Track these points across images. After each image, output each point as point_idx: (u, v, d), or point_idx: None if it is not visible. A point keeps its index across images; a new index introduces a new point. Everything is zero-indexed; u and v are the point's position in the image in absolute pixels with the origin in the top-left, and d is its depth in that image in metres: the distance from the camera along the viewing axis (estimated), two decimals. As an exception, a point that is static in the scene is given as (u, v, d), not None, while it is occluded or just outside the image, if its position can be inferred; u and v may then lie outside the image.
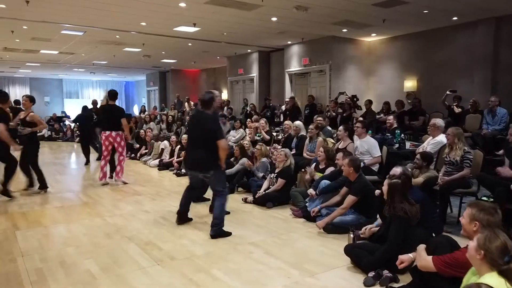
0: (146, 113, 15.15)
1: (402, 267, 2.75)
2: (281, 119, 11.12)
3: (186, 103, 15.29)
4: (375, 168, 5.51)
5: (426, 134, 7.47)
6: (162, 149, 9.38)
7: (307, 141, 6.53)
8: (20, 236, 4.25)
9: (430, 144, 5.30)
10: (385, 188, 3.38)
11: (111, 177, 7.30)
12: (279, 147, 6.90)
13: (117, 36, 11.03)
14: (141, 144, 10.66)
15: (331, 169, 5.23)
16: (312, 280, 3.16)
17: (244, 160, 6.58)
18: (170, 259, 3.62)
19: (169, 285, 3.10)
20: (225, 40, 11.77)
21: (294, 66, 12.35)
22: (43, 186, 6.44)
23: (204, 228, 4.51)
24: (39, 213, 5.23)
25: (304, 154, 6.42)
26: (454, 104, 8.28)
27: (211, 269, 3.38)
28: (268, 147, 6.70)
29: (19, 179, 6.48)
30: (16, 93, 20.78)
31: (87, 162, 9.63)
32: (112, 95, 7.15)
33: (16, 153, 6.10)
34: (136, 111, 20.61)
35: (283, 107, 11.80)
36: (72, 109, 21.35)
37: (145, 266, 3.44)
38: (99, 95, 23.03)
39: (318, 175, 5.30)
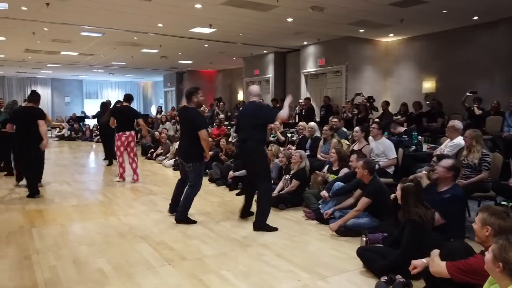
0: (163, 113, 15.29)
1: (415, 273, 2.67)
2: (296, 120, 11.06)
3: (203, 105, 15.33)
4: (390, 170, 5.41)
5: (444, 136, 7.33)
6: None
7: (321, 142, 6.46)
8: (36, 234, 4.34)
9: (448, 146, 5.17)
10: (398, 192, 3.31)
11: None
12: (293, 148, 6.87)
13: (135, 38, 11.18)
14: (156, 145, 10.77)
15: (344, 170, 5.16)
16: (323, 284, 3.12)
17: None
18: (180, 259, 3.62)
19: (178, 285, 3.10)
20: (241, 41, 11.79)
21: (310, 67, 12.26)
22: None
23: (216, 229, 4.51)
24: (55, 211, 5.33)
25: (318, 156, 6.35)
26: (475, 105, 8.06)
27: (220, 270, 3.37)
28: (281, 148, 6.66)
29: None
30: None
31: (106, 159, 9.78)
32: (126, 97, 7.46)
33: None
34: (153, 111, 20.86)
35: (298, 108, 11.73)
36: (92, 109, 21.74)
37: (155, 266, 3.45)
38: (118, 96, 23.44)
39: (331, 177, 5.23)
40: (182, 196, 4.85)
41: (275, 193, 5.63)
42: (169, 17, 8.76)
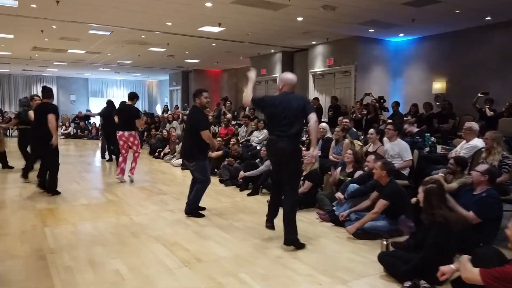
0: (169, 112, 15.24)
1: (444, 279, 2.60)
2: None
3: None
4: (405, 172, 5.33)
5: (456, 137, 7.23)
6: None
7: (333, 143, 6.39)
8: (49, 233, 4.29)
9: (464, 148, 5.08)
10: (421, 195, 3.24)
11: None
12: (303, 149, 6.79)
13: (143, 36, 11.14)
14: (164, 144, 10.73)
15: (359, 172, 5.09)
16: (344, 288, 3.06)
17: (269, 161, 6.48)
18: (197, 261, 3.57)
19: (197, 288, 3.05)
20: (249, 40, 11.72)
21: (318, 67, 12.18)
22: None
23: (230, 230, 4.46)
24: (66, 210, 5.29)
25: (330, 157, 6.28)
26: (486, 106, 7.97)
27: (239, 272, 3.31)
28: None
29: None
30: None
31: (107, 157, 9.86)
32: (130, 96, 7.38)
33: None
34: (158, 110, 20.81)
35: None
36: (97, 107, 21.72)
37: (172, 268, 3.40)
38: (123, 94, 23.43)
39: (346, 179, 5.16)
40: (191, 194, 5.00)
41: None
42: (179, 16, 8.71)
